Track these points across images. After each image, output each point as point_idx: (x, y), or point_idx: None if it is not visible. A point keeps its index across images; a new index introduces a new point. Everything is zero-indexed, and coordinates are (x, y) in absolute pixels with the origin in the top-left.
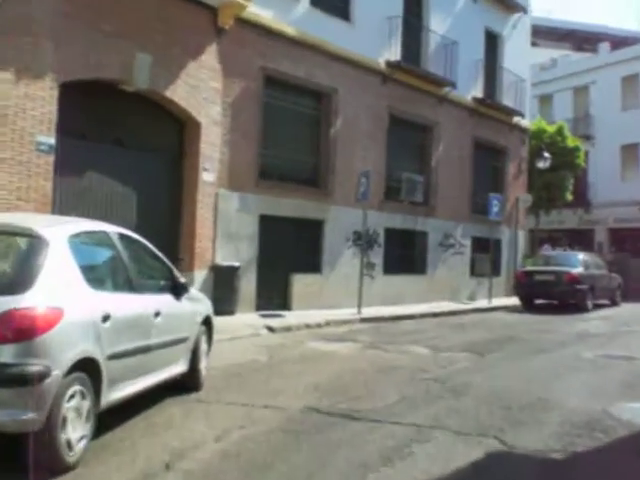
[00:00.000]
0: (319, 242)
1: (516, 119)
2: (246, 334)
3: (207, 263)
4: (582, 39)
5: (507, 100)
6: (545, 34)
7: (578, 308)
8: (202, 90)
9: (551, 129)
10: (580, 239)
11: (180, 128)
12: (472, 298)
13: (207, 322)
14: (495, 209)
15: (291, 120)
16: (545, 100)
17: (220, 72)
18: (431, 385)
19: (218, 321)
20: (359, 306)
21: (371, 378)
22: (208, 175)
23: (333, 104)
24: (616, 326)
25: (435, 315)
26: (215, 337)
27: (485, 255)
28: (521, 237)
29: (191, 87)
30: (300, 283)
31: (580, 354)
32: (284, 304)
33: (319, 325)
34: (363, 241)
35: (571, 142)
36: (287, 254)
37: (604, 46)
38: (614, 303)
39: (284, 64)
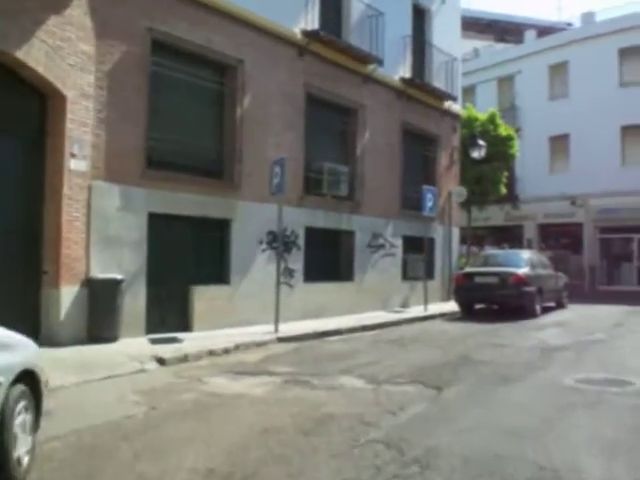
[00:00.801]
0: (226, 246)
1: (447, 104)
2: (126, 371)
3: (79, 277)
4: (504, 30)
5: (438, 82)
6: (466, 25)
7: (526, 313)
8: (68, 54)
9: (482, 117)
10: (507, 236)
11: (41, 102)
12: (405, 305)
13: (30, 380)
14: (429, 204)
15: (188, 96)
16: (468, 92)
17: (92, 32)
18: (382, 455)
19: (92, 352)
20: (276, 322)
21: (293, 447)
22: (77, 163)
23: (239, 78)
24: (576, 335)
25: (366, 329)
26: (83, 377)
27: (418, 256)
28: (455, 235)
29: (52, 49)
30: (203, 297)
31: (557, 380)
32: (183, 324)
33: (226, 351)
34: (279, 243)
35: (504, 131)
36: (185, 262)
37: (530, 34)
38: (560, 305)
39: (178, 27)
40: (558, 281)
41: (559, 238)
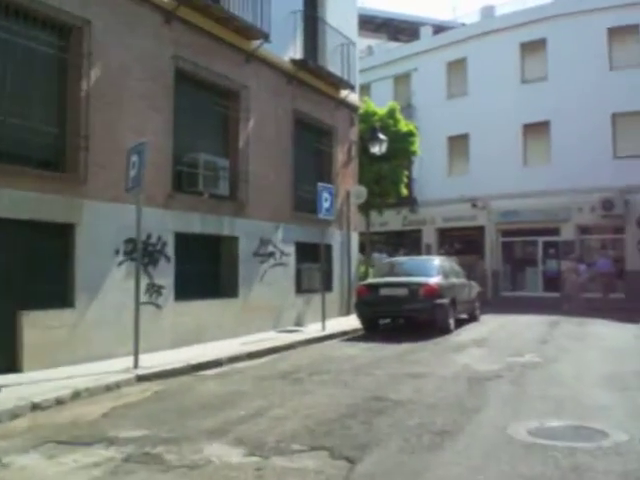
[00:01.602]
0: (68, 258)
1: (344, 93)
2: None
3: None
4: (399, 29)
5: (333, 68)
6: (360, 24)
7: (438, 329)
8: None
9: (382, 111)
10: (405, 242)
11: None
12: (301, 323)
13: None
14: (326, 204)
15: (15, 64)
16: (363, 90)
17: None
18: None
19: None
20: (136, 355)
21: None
22: None
23: (84, 43)
24: (503, 357)
25: (253, 356)
26: None
27: (314, 265)
28: (355, 241)
29: None
30: (36, 326)
31: (505, 432)
32: (6, 364)
33: (59, 401)
34: (139, 254)
35: (404, 126)
36: (11, 280)
37: (426, 30)
38: (474, 318)
39: None
40: (471, 291)
41: (460, 242)
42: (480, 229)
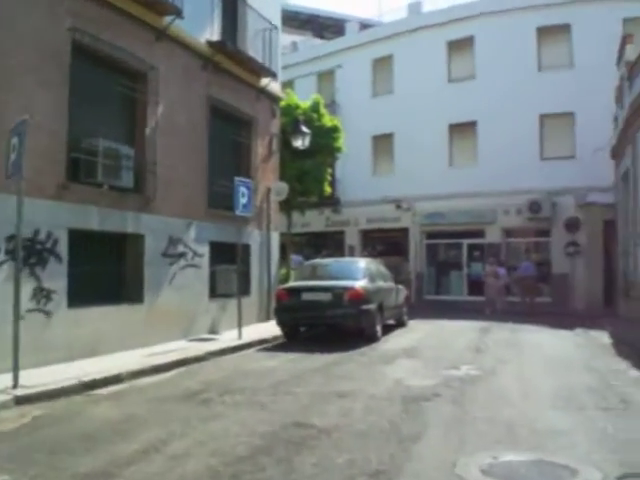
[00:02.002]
0: None
1: (265, 81)
2: None
3: None
4: (324, 26)
5: (254, 53)
6: (284, 20)
7: (364, 336)
8: None
9: (305, 105)
10: (328, 243)
11: None
12: (215, 330)
13: None
14: (243, 200)
15: None
16: (286, 87)
17: None
18: None
19: None
20: (15, 372)
21: None
22: None
23: None
24: (438, 369)
25: (160, 370)
26: None
27: (231, 267)
28: (275, 241)
29: None
30: None
31: (454, 471)
32: None
33: None
34: (18, 251)
35: (329, 121)
36: None
37: (351, 26)
38: (401, 323)
39: None
40: (399, 295)
41: (383, 244)
42: (404, 231)
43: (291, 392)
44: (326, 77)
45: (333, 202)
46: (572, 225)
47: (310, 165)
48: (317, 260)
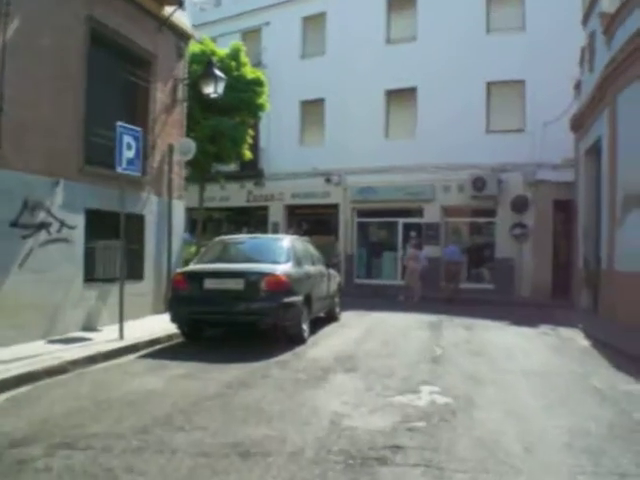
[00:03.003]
0: None
1: (169, 10)
2: None
3: None
4: None
5: None
6: None
7: (288, 338)
8: None
9: (222, 52)
10: (250, 220)
11: None
12: (91, 326)
13: None
14: (129, 154)
15: None
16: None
17: None
18: None
19: None
20: None
21: None
22: None
23: None
24: (387, 391)
25: None
26: None
27: (113, 244)
28: (179, 212)
29: None
30: None
31: None
32: None
33: None
34: None
35: (251, 73)
36: None
37: None
38: (333, 317)
39: None
40: (331, 282)
41: (311, 222)
42: (334, 207)
43: (166, 447)
44: (252, 36)
45: (256, 174)
46: (519, 205)
47: (226, 124)
48: (227, 236)
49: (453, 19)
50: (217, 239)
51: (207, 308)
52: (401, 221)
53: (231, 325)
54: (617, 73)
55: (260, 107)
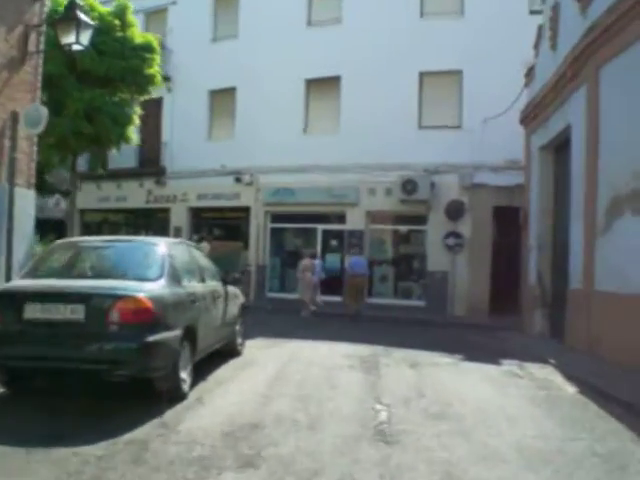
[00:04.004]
0: None
1: None
2: None
3: None
4: None
5: None
6: None
7: (157, 394)
8: None
9: (105, 10)
10: (151, 223)
11: None
12: None
13: None
14: None
15: None
16: None
17: None
18: None
19: None
20: None
21: None
22: None
23: None
24: None
25: None
26: None
27: None
28: (29, 203)
29: None
30: None
31: None
32: None
33: None
34: None
35: (139, 37)
36: None
37: None
38: (233, 351)
39: None
40: (229, 305)
41: (219, 227)
42: (245, 210)
43: None
44: (156, 16)
45: (157, 171)
46: (454, 211)
47: (105, 99)
48: (76, 239)
49: (383, 0)
50: (59, 242)
51: (27, 350)
52: (321, 228)
53: (67, 375)
54: (601, 42)
55: (150, 79)
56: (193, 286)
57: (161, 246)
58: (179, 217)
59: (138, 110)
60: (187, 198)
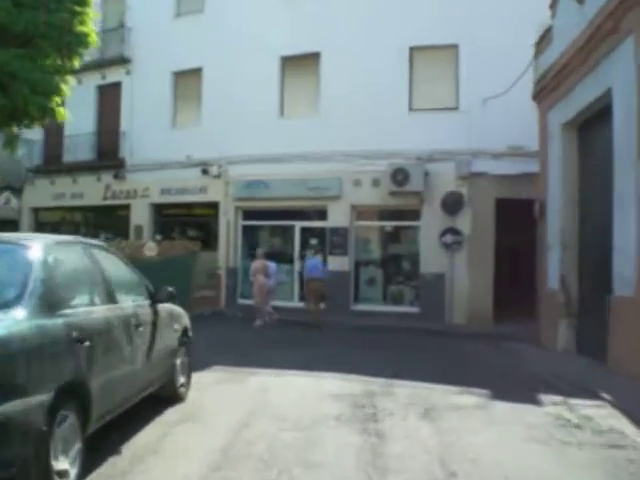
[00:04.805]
0: None
1: None
2: None
3: None
4: None
5: None
6: None
7: None
8: None
9: None
10: (111, 222)
11: None
12: None
13: None
14: None
15: None
16: None
17: None
18: None
19: None
20: None
21: None
22: None
23: None
24: None
25: None
26: None
27: None
28: None
29: None
30: None
31: None
32: None
33: None
34: None
35: None
36: None
37: None
38: (172, 396)
39: None
40: (162, 334)
41: (184, 226)
42: (213, 206)
43: None
44: None
45: (116, 164)
46: (451, 204)
47: (22, 61)
48: None
49: None
50: None
51: None
52: (299, 225)
53: None
54: None
55: (81, 39)
56: (86, 313)
57: (33, 249)
58: (140, 215)
59: (70, 80)
60: (148, 193)
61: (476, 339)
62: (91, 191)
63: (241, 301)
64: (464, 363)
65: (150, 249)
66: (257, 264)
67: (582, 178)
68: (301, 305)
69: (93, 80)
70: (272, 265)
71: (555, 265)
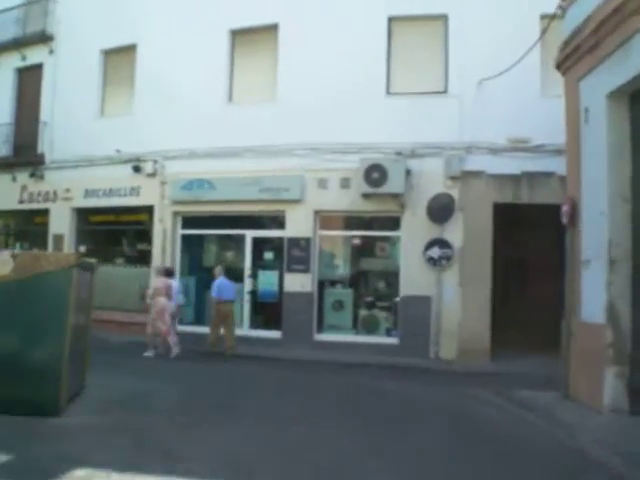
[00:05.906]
0: None
1: None
2: None
3: None
4: None
5: None
6: None
7: None
8: None
9: None
10: (27, 230)
11: None
12: None
13: None
14: None
15: None
16: None
17: None
18: None
19: None
20: None
21: None
22: None
23: None
24: None
25: None
26: None
27: None
28: None
29: None
30: None
31: None
32: None
33: None
34: None
35: None
36: None
37: None
38: None
39: None
40: None
41: (112, 235)
42: (147, 211)
43: None
44: None
45: (33, 160)
46: (439, 210)
47: None
48: None
49: None
50: None
51: None
52: (250, 234)
53: None
54: None
55: None
56: None
57: None
58: (60, 221)
59: None
60: (71, 196)
61: (477, 383)
62: (5, 193)
63: (180, 328)
64: (475, 436)
65: (2, 263)
66: (158, 283)
67: (639, 168)
68: (254, 333)
69: (12, 62)
70: (175, 284)
71: (595, 289)
